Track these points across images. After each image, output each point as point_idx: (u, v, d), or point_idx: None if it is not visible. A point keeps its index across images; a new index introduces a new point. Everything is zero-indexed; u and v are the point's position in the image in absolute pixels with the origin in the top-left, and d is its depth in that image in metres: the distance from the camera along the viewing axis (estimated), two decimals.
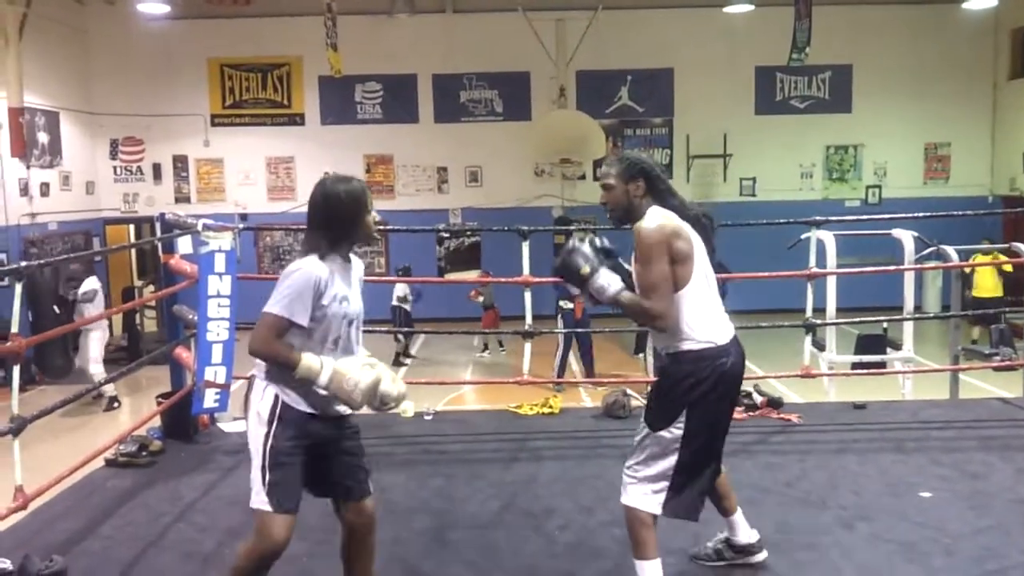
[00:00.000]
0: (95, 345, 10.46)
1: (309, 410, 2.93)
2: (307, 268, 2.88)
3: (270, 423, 2.90)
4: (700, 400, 3.07)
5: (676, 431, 3.08)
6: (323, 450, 3.00)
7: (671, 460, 3.09)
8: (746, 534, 3.54)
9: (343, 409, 2.99)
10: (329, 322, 2.92)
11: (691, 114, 16.07)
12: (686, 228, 3.10)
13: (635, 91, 16.17)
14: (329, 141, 16.06)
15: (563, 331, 10.20)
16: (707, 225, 3.21)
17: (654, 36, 15.82)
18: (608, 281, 3.12)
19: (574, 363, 11.25)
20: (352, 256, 3.07)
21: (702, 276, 3.11)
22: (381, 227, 3.37)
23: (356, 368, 2.90)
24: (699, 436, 3.09)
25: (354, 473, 3.09)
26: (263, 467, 2.88)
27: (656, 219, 3.08)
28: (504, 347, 13.34)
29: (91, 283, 10.61)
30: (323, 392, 2.88)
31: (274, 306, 2.87)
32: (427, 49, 15.87)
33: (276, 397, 2.91)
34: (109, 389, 10.54)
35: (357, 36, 14.92)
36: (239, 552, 3.00)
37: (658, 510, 3.12)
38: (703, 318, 3.09)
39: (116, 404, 10.60)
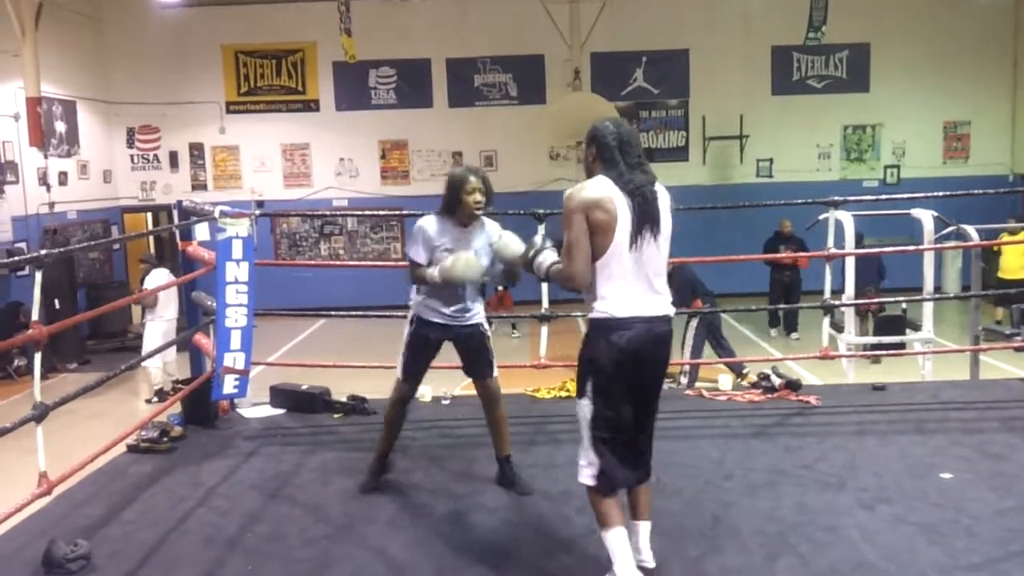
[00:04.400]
0: (150, 337, 9.88)
1: (435, 320, 4.21)
2: (420, 221, 4.16)
3: (409, 328, 4.28)
4: (597, 371, 3.12)
5: (586, 401, 3.14)
6: (456, 344, 4.31)
7: (590, 432, 3.15)
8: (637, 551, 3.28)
9: (466, 316, 4.25)
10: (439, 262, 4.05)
11: (707, 95, 15.96)
12: (615, 200, 3.04)
13: (650, 73, 16.07)
14: (344, 127, 16.09)
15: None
16: (648, 199, 3.10)
17: (669, 17, 15.71)
18: (544, 258, 3.35)
19: None
20: (483, 221, 4.19)
21: (622, 249, 3.05)
22: (396, 212, 3.70)
23: (452, 258, 3.99)
24: (602, 408, 3.11)
25: (476, 358, 4.34)
26: (403, 352, 4.31)
27: (581, 187, 3.10)
28: (517, 331, 13.43)
29: (151, 280, 9.83)
30: (442, 290, 4.12)
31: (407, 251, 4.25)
32: (441, 33, 15.83)
33: (414, 315, 4.27)
34: (158, 380, 10.11)
35: (371, 21, 14.90)
36: (387, 405, 4.43)
37: (591, 482, 3.16)
38: (609, 290, 3.08)
39: (155, 399, 9.99)
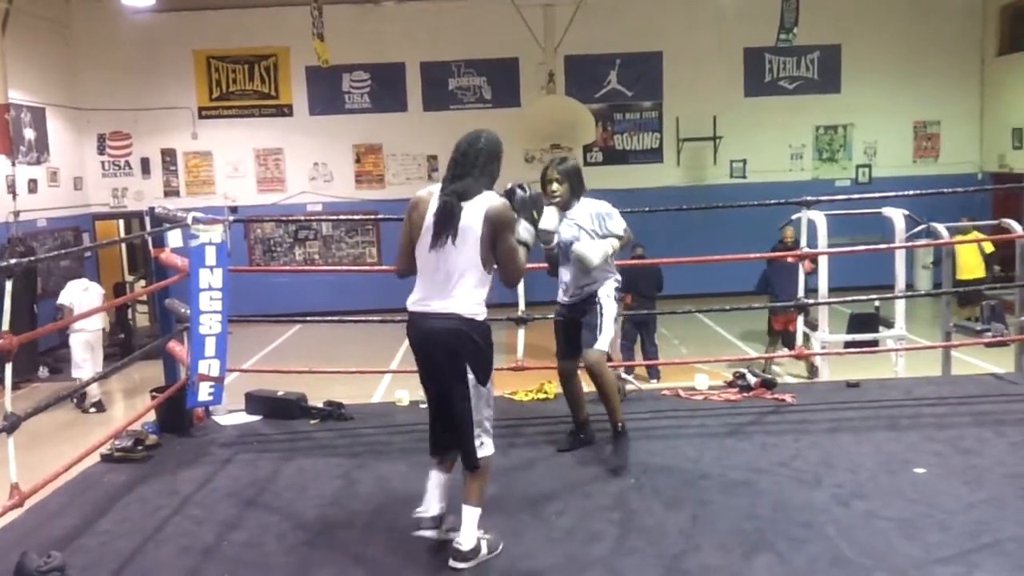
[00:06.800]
0: (76, 348, 10.10)
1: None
2: None
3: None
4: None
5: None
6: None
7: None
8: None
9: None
10: None
11: (680, 97, 16.07)
12: (428, 207, 3.49)
13: (624, 75, 16.15)
14: (318, 131, 16.03)
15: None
16: (443, 210, 3.44)
17: (642, 20, 15.80)
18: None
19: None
20: (582, 203, 4.71)
21: (423, 251, 3.50)
22: (371, 217, 3.71)
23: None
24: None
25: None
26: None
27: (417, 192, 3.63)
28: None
29: (65, 295, 10.22)
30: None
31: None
32: (415, 37, 15.82)
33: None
34: (94, 393, 10.32)
35: (344, 25, 14.87)
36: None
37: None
38: (414, 287, 3.58)
39: (93, 409, 10.23)
